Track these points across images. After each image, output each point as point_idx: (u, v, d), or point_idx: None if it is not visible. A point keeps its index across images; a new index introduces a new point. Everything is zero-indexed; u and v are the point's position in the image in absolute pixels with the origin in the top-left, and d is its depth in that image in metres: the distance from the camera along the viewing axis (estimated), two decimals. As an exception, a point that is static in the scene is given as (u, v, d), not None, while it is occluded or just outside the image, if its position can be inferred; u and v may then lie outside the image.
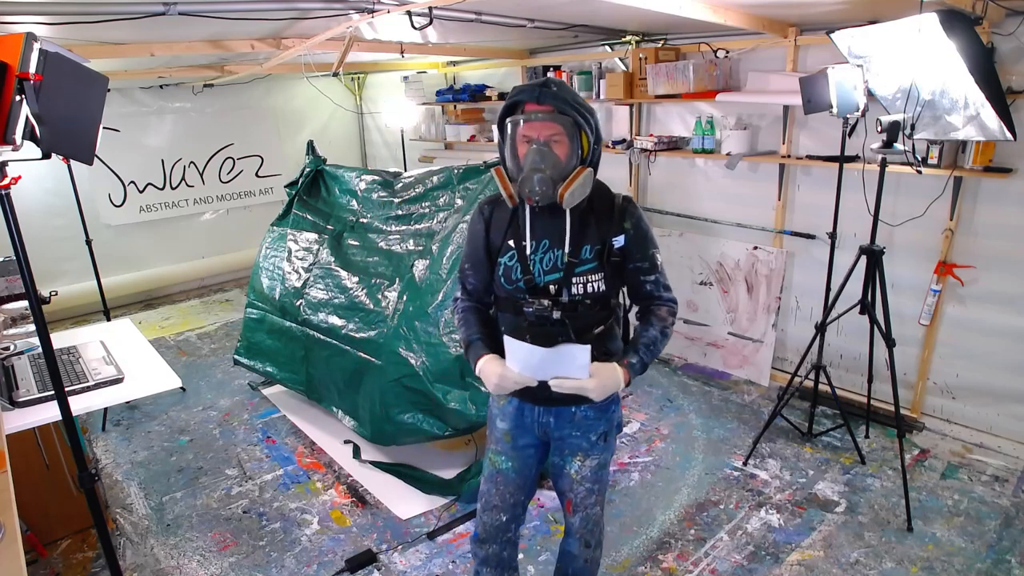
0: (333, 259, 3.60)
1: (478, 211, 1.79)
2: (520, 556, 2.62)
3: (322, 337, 3.48)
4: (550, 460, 1.91)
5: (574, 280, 1.65)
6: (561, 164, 1.58)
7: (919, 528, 2.74)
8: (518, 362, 1.62)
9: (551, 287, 1.66)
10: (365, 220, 3.67)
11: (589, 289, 1.66)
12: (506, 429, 1.87)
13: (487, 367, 1.69)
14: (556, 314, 1.64)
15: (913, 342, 3.48)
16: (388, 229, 3.57)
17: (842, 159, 3.01)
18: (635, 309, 1.83)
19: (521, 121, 1.58)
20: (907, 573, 2.51)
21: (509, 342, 1.62)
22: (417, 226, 3.43)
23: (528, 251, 1.68)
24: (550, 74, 4.83)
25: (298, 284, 3.69)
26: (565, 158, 1.59)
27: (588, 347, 1.55)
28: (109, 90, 1.71)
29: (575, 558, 1.95)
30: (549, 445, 1.90)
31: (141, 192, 6.03)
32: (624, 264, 1.70)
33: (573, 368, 1.58)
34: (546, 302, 1.65)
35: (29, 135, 1.42)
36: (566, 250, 1.66)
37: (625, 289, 1.79)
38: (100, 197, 5.77)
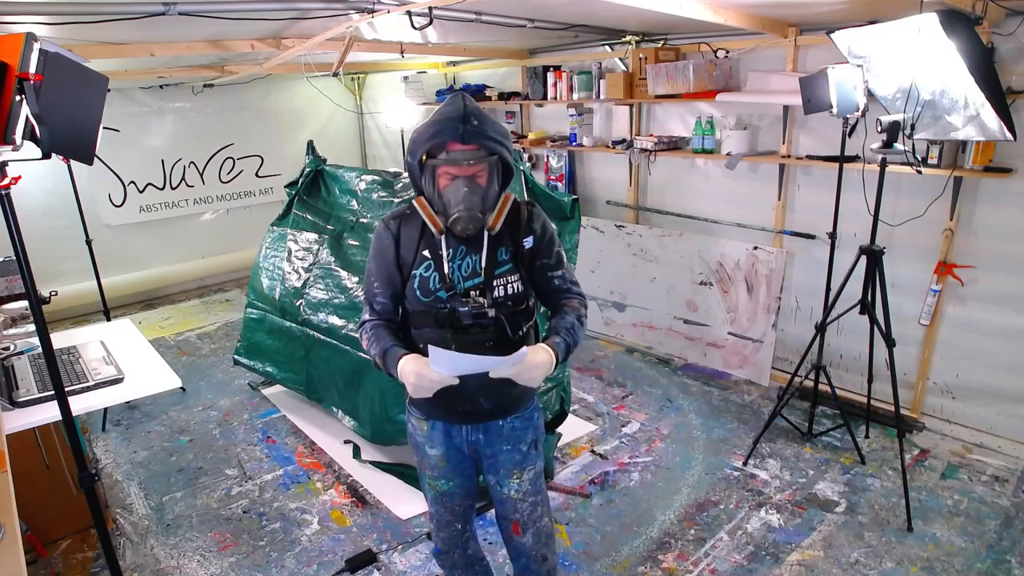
0: (333, 259, 3.60)
1: (384, 228, 1.77)
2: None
3: (322, 337, 3.48)
4: (485, 481, 1.91)
5: (495, 283, 1.70)
6: (488, 195, 1.64)
7: (919, 528, 2.74)
8: (443, 365, 1.54)
9: (472, 292, 1.69)
10: (365, 220, 3.67)
11: (509, 291, 1.71)
12: (436, 455, 1.85)
13: (406, 366, 1.60)
14: (492, 311, 1.66)
15: (913, 342, 3.48)
16: None
17: (842, 159, 3.01)
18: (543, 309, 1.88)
19: (449, 159, 1.60)
20: (907, 573, 2.51)
21: (434, 350, 1.54)
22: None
23: (446, 259, 1.69)
24: (550, 72, 4.83)
25: (298, 284, 3.69)
26: (490, 189, 1.65)
27: (525, 348, 1.56)
28: (109, 90, 1.71)
29: (530, 573, 1.95)
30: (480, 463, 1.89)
31: (141, 192, 6.03)
32: (532, 263, 1.75)
33: (512, 360, 1.53)
34: (481, 299, 1.66)
35: (29, 135, 1.42)
36: (483, 255, 1.69)
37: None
38: (100, 197, 5.77)
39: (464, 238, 1.68)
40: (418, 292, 1.72)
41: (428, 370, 1.56)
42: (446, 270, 1.69)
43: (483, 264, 1.69)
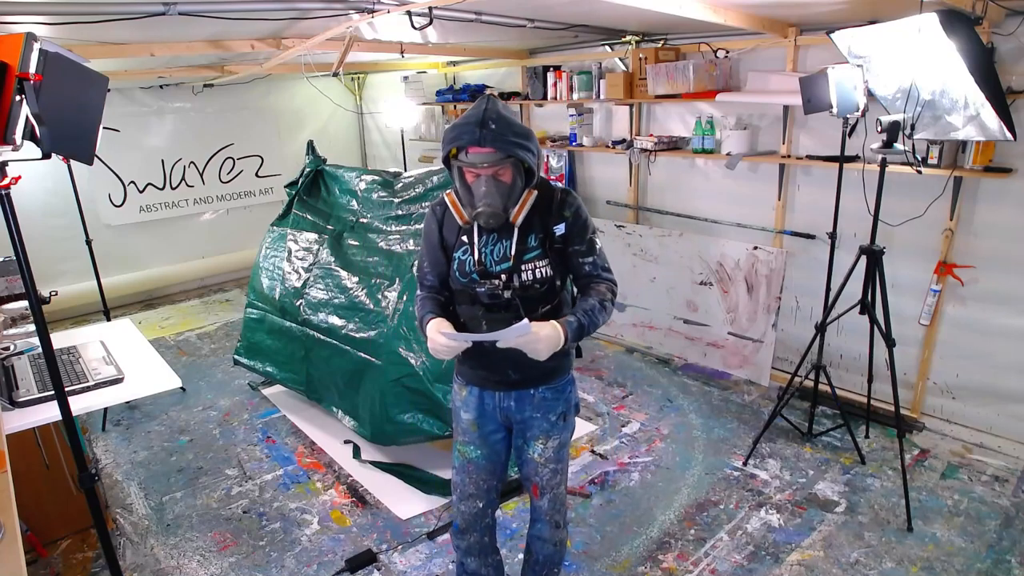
0: (333, 259, 3.60)
1: (431, 213, 1.93)
2: (520, 556, 2.62)
3: (322, 337, 3.47)
4: (514, 444, 2.03)
5: (523, 267, 1.81)
6: (507, 191, 1.75)
7: (919, 528, 2.74)
8: (458, 337, 1.72)
9: (502, 276, 1.81)
10: (365, 220, 3.67)
11: (537, 275, 1.81)
12: (471, 419, 1.98)
13: (430, 329, 1.77)
14: (507, 293, 1.80)
15: (913, 342, 3.48)
16: (388, 229, 3.57)
17: (842, 159, 3.01)
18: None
19: (468, 162, 1.71)
20: (907, 573, 2.51)
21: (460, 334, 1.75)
22: (417, 226, 3.43)
23: (477, 245, 1.84)
24: (550, 72, 4.84)
25: (298, 284, 3.69)
26: (512, 186, 1.75)
27: (526, 321, 1.64)
28: (109, 90, 1.71)
29: (545, 543, 2.08)
30: (512, 430, 2.01)
31: (141, 192, 6.03)
32: (565, 249, 1.84)
33: (514, 331, 1.64)
34: (496, 281, 1.81)
35: (29, 135, 1.41)
36: (514, 240, 1.81)
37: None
38: (100, 197, 5.77)
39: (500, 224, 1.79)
40: (457, 273, 1.87)
41: (440, 335, 1.72)
42: (477, 255, 1.83)
43: (512, 250, 1.81)
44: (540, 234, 1.82)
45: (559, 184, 1.91)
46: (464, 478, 2.02)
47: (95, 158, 1.67)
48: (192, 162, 6.29)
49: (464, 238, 1.86)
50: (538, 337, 1.65)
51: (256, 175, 6.71)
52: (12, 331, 2.84)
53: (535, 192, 1.78)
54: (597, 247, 1.87)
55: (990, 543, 2.65)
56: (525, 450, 1.98)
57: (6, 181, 1.55)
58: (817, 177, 3.73)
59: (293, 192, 4.04)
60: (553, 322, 1.71)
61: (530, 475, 2.00)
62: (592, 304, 1.79)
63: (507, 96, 5.28)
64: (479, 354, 1.82)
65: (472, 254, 1.84)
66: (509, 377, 1.88)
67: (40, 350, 1.77)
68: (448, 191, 1.84)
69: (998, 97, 2.52)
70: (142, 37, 3.43)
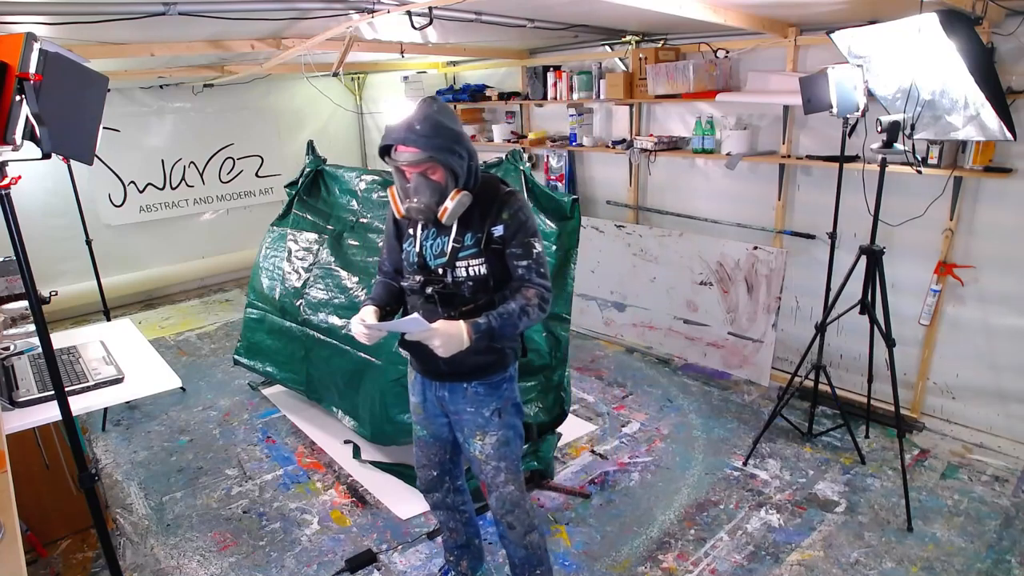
0: (333, 259, 3.60)
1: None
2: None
3: (322, 337, 3.47)
4: (456, 439, 2.13)
5: (457, 264, 1.89)
6: (439, 189, 1.82)
7: (919, 528, 2.74)
8: (378, 325, 1.88)
9: (439, 270, 1.91)
10: (365, 220, 3.67)
11: (471, 272, 1.89)
12: (416, 402, 2.14)
13: (358, 314, 1.95)
14: (428, 289, 1.91)
15: (913, 342, 3.48)
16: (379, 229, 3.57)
17: (842, 159, 3.00)
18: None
19: (397, 162, 1.82)
20: (907, 573, 2.51)
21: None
22: (417, 226, 3.44)
23: (419, 239, 1.95)
24: (550, 72, 4.84)
25: (298, 284, 3.69)
26: (441, 183, 1.82)
27: (417, 316, 1.76)
28: (109, 90, 1.71)
29: (510, 544, 2.16)
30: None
31: (141, 192, 6.03)
32: (503, 250, 1.89)
33: (418, 325, 1.75)
34: (419, 278, 1.93)
35: (29, 135, 1.41)
36: (451, 238, 1.89)
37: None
38: (100, 197, 5.77)
39: (438, 221, 1.88)
40: (404, 263, 2.01)
41: (358, 321, 1.88)
42: (417, 248, 1.95)
43: (449, 247, 1.90)
44: (478, 233, 1.87)
45: (508, 186, 1.94)
46: (418, 451, 2.21)
47: (95, 158, 1.67)
48: (192, 162, 6.29)
49: (411, 231, 1.97)
50: (435, 333, 1.73)
51: (256, 175, 6.70)
52: (12, 331, 2.84)
53: (463, 192, 1.82)
54: (534, 252, 1.88)
55: (990, 543, 2.65)
56: (467, 447, 2.08)
57: (6, 181, 1.55)
58: (817, 177, 3.73)
59: (293, 192, 4.04)
60: (460, 321, 1.78)
61: (476, 472, 2.10)
62: (511, 308, 1.81)
63: (507, 96, 5.28)
64: (415, 343, 1.86)
65: (414, 247, 1.95)
66: (440, 368, 1.95)
67: (40, 350, 1.77)
68: (391, 185, 1.93)
69: (998, 97, 2.52)
70: (142, 37, 3.43)
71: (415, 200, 1.82)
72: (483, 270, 1.88)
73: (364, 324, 1.86)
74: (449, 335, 1.74)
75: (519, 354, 2.07)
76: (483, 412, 2.00)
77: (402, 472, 3.18)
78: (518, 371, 2.11)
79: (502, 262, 1.90)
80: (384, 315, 2.02)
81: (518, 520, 2.09)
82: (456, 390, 2.01)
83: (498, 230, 1.87)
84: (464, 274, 1.89)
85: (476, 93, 5.48)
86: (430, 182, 1.81)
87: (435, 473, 2.22)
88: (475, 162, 1.88)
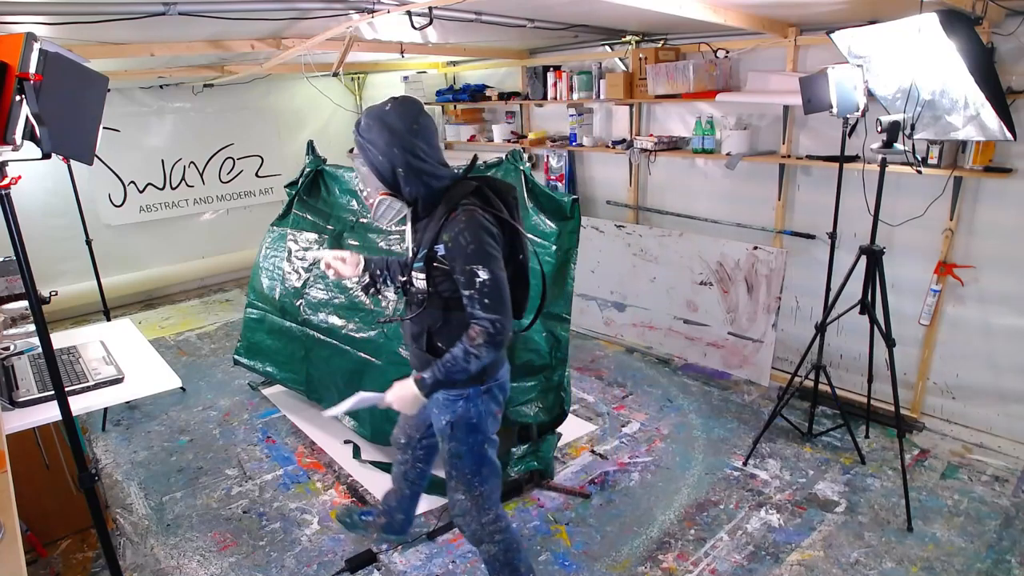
0: (333, 259, 3.59)
1: None
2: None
3: (322, 337, 3.47)
4: (433, 428, 2.22)
5: (413, 273, 1.94)
6: (373, 187, 1.87)
7: (919, 528, 2.74)
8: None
9: (407, 274, 2.00)
10: (365, 220, 3.67)
11: (418, 285, 1.93)
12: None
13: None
14: (369, 290, 2.18)
15: (913, 342, 3.48)
16: (388, 229, 3.57)
17: (842, 159, 3.00)
18: None
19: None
20: (907, 573, 2.51)
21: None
22: (417, 226, 3.44)
23: (409, 236, 2.01)
24: (550, 72, 4.84)
25: (298, 284, 3.69)
26: (375, 183, 1.86)
27: (363, 395, 1.94)
28: (109, 90, 1.71)
29: (470, 542, 2.22)
30: None
31: (141, 192, 6.03)
32: (452, 272, 1.83)
33: (372, 399, 1.95)
34: (363, 280, 2.17)
35: (29, 135, 1.41)
36: (410, 246, 1.96)
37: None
38: (100, 197, 5.77)
39: (415, 219, 1.95)
40: None
41: (333, 258, 2.13)
42: (408, 244, 2.02)
43: (410, 256, 1.96)
44: (425, 248, 1.85)
45: (472, 204, 1.82)
46: (400, 416, 2.37)
47: (95, 158, 1.67)
48: (192, 162, 6.29)
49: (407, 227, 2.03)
50: (395, 397, 1.89)
51: (256, 175, 6.70)
52: (12, 331, 2.84)
53: (388, 196, 1.84)
54: (477, 281, 1.75)
55: (990, 543, 2.65)
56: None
57: (6, 181, 1.55)
58: (817, 177, 3.73)
59: (293, 192, 4.04)
60: (408, 382, 1.88)
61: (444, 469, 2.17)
62: (456, 354, 1.81)
63: (507, 96, 5.28)
64: (409, 335, 2.06)
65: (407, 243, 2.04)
66: (414, 370, 2.07)
67: (40, 350, 1.77)
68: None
69: (998, 97, 2.52)
70: (142, 37, 3.43)
71: (365, 195, 1.94)
72: (423, 286, 1.89)
73: (328, 412, 2.08)
74: (401, 398, 1.88)
75: (483, 379, 2.01)
76: (441, 419, 2.06)
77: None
78: (492, 400, 2.06)
79: (452, 282, 1.85)
80: (372, 276, 2.15)
81: (467, 527, 2.15)
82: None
83: (439, 249, 1.81)
84: (416, 286, 1.93)
85: (476, 93, 5.48)
86: (370, 178, 1.87)
87: (403, 440, 2.40)
88: (405, 172, 1.80)
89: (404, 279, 2.02)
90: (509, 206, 1.93)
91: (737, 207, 4.16)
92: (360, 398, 1.90)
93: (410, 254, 1.94)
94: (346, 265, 2.10)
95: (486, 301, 1.77)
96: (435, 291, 1.89)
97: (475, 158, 2.10)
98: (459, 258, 1.77)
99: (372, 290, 2.19)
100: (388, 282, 2.15)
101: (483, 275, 1.76)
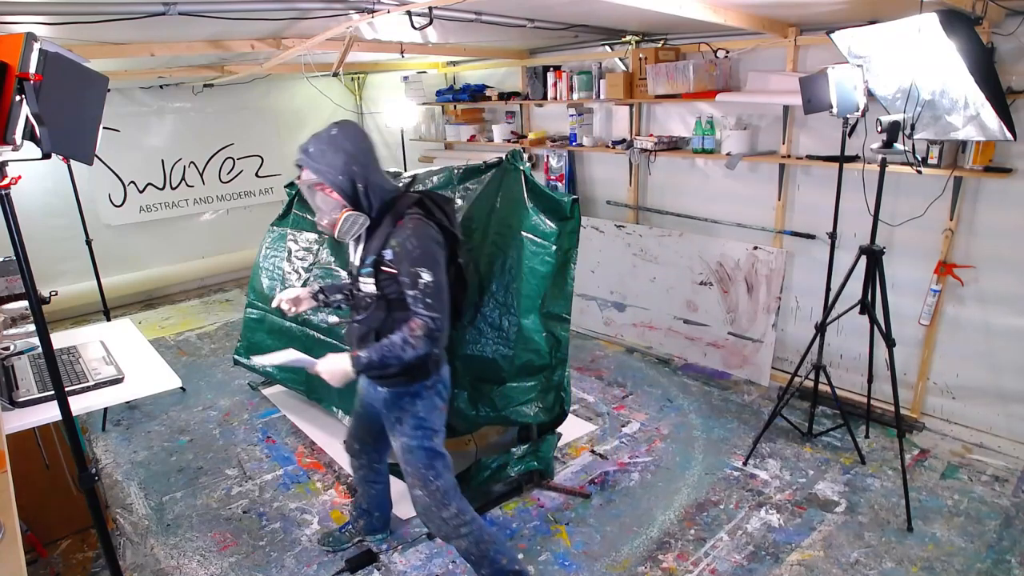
0: (333, 259, 3.60)
1: None
2: (520, 556, 2.63)
3: (322, 337, 3.47)
4: (384, 427, 2.32)
5: (360, 280, 2.09)
6: (338, 207, 1.99)
7: (919, 528, 2.74)
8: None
9: (354, 281, 2.15)
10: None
11: (366, 290, 2.08)
12: (358, 385, 2.42)
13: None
14: (337, 296, 2.36)
15: (913, 342, 3.48)
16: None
17: (842, 159, 3.00)
18: None
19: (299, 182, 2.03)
20: (907, 573, 2.51)
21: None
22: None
23: (351, 249, 2.15)
24: (550, 72, 4.84)
25: (298, 284, 3.69)
26: (333, 203, 1.99)
27: (300, 356, 2.00)
28: (109, 90, 1.71)
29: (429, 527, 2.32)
30: None
31: (141, 192, 6.03)
32: (398, 275, 2.01)
33: (305, 362, 2.00)
34: (315, 287, 2.38)
35: (29, 135, 1.41)
36: (358, 255, 2.10)
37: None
38: (100, 197, 5.77)
39: (356, 238, 2.08)
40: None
41: (281, 298, 2.31)
42: (351, 259, 2.17)
43: (357, 262, 2.10)
44: (373, 255, 2.03)
45: (417, 212, 2.03)
46: (352, 418, 2.51)
47: (95, 158, 1.67)
48: (192, 162, 6.29)
49: (353, 242, 2.14)
50: (324, 367, 1.96)
51: (256, 175, 6.70)
52: (12, 331, 2.84)
53: (350, 212, 1.98)
54: (420, 282, 1.95)
55: (990, 543, 2.65)
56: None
57: (6, 181, 1.54)
58: (817, 177, 3.73)
59: (293, 192, 4.03)
60: (344, 355, 1.97)
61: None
62: (394, 340, 1.95)
63: (507, 96, 5.28)
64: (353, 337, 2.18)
65: (352, 257, 2.16)
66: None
67: (40, 350, 1.76)
68: None
69: (998, 97, 2.52)
70: (142, 37, 3.43)
71: (322, 217, 2.02)
72: (373, 289, 2.05)
73: (257, 360, 2.11)
74: (331, 370, 1.97)
75: (429, 375, 2.17)
76: (390, 416, 2.20)
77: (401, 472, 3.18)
78: (437, 395, 2.22)
79: (397, 284, 2.02)
80: (315, 294, 2.33)
81: (431, 523, 2.24)
82: (373, 387, 2.25)
83: (387, 254, 2.00)
84: (363, 291, 2.09)
85: (476, 93, 5.48)
86: (329, 200, 1.98)
87: (357, 446, 2.51)
88: (365, 187, 1.99)
89: (350, 286, 2.20)
90: (449, 216, 2.14)
91: (737, 207, 4.16)
92: (291, 356, 1.95)
93: (357, 261, 2.09)
94: (302, 300, 2.32)
95: (428, 300, 1.96)
96: (382, 294, 2.06)
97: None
98: (405, 261, 1.97)
99: (324, 307, 2.41)
100: (336, 302, 2.37)
101: (427, 277, 1.96)
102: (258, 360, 2.09)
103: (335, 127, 2.00)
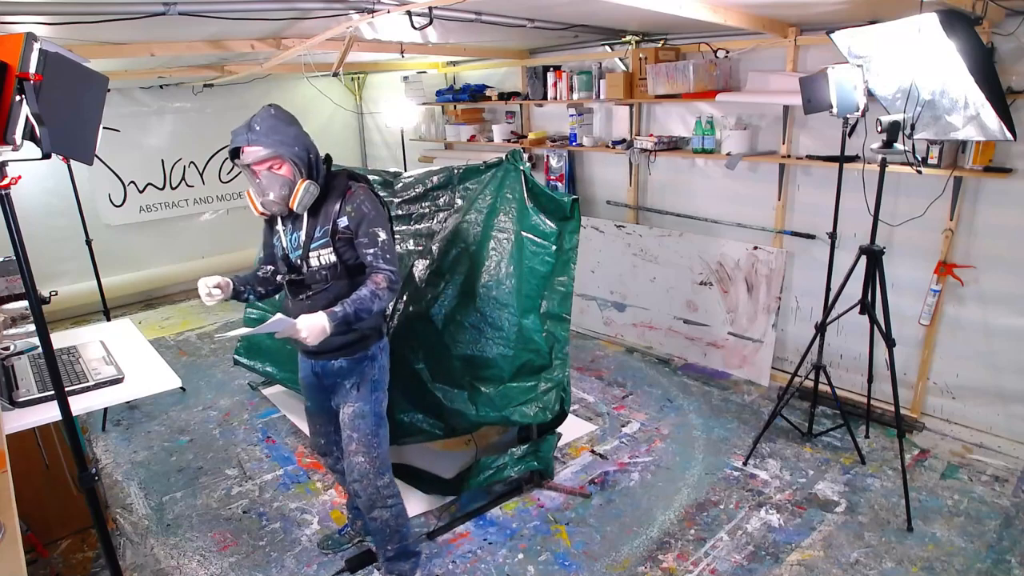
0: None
1: None
2: (520, 556, 2.63)
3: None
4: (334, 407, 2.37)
5: (310, 254, 2.15)
6: (287, 183, 2.06)
7: (919, 528, 2.74)
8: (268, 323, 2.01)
9: (298, 261, 2.18)
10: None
11: (323, 261, 2.15)
12: (300, 377, 2.45)
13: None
14: (278, 278, 2.25)
15: (913, 342, 3.48)
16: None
17: (842, 159, 3.00)
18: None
19: (244, 162, 2.05)
20: (907, 573, 2.51)
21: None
22: (417, 226, 3.43)
23: (282, 233, 2.20)
24: (550, 72, 4.84)
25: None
26: (288, 177, 2.06)
27: (279, 317, 1.97)
28: (109, 90, 1.71)
29: (358, 510, 2.41)
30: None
31: (141, 192, 6.03)
32: (353, 239, 2.12)
33: (283, 324, 1.97)
34: (270, 268, 2.31)
35: (29, 135, 1.41)
36: (303, 232, 2.15)
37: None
38: (100, 197, 5.77)
39: (295, 216, 2.15)
40: (276, 255, 2.26)
41: (203, 284, 2.12)
42: (282, 243, 2.21)
43: (303, 239, 2.15)
44: (326, 225, 2.12)
45: (357, 180, 2.19)
46: (309, 421, 2.54)
47: (95, 158, 1.67)
48: (192, 162, 6.29)
49: (277, 228, 2.21)
50: (298, 328, 1.95)
51: (256, 175, 6.69)
52: (12, 331, 2.84)
53: (307, 181, 2.05)
54: (380, 240, 2.10)
55: (990, 543, 2.65)
56: (337, 413, 2.34)
57: (6, 181, 1.54)
58: (817, 177, 3.73)
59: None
60: (320, 312, 1.98)
61: (343, 435, 2.32)
62: (363, 294, 2.04)
63: (507, 96, 5.28)
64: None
65: (280, 242, 2.21)
66: (311, 347, 2.13)
67: (40, 350, 1.76)
68: (247, 189, 2.15)
69: (998, 97, 2.52)
70: (142, 37, 3.43)
71: (269, 195, 2.05)
72: (332, 258, 2.13)
73: (239, 331, 2.12)
74: (311, 326, 1.96)
75: (382, 336, 2.33)
76: (345, 384, 2.28)
77: (402, 472, 3.18)
78: (387, 355, 2.36)
79: (355, 250, 2.13)
80: (236, 293, 2.25)
81: (364, 491, 2.29)
82: (327, 365, 2.28)
83: (343, 221, 2.11)
84: (317, 263, 2.14)
85: (476, 93, 5.48)
86: (277, 176, 2.05)
87: (322, 441, 2.53)
88: (315, 156, 2.11)
89: (287, 268, 2.19)
90: (374, 190, 2.26)
91: (737, 207, 4.16)
92: (276, 319, 1.96)
93: (303, 238, 2.14)
94: (220, 291, 2.21)
95: (387, 256, 2.11)
96: (340, 261, 2.14)
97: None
98: (364, 223, 2.10)
99: (242, 298, 2.35)
100: (251, 294, 2.32)
101: (383, 235, 2.12)
102: (243, 331, 2.13)
103: (270, 107, 2.09)
